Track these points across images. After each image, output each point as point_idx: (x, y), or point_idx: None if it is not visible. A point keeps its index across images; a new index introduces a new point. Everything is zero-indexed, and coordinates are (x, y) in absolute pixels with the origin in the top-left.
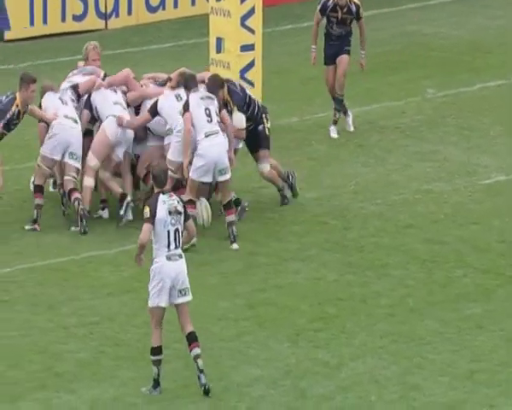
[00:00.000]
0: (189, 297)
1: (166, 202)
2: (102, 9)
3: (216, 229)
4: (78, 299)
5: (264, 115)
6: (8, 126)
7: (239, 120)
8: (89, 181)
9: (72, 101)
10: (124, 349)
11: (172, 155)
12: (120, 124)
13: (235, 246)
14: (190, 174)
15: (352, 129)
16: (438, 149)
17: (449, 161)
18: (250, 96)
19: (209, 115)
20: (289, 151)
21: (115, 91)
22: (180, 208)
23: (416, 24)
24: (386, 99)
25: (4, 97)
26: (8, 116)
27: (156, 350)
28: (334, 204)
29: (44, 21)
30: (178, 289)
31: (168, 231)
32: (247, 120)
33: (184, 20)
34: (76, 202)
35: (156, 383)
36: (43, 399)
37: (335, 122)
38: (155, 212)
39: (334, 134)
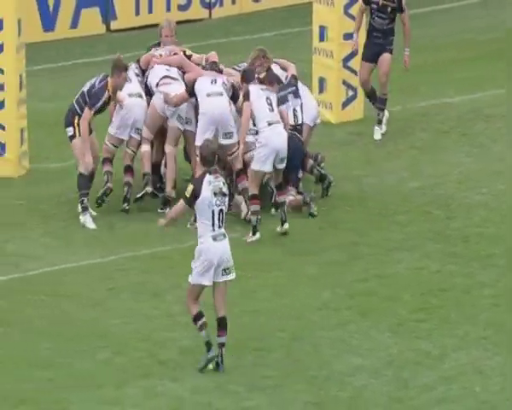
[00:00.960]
0: (232, 276)
1: (212, 183)
2: None
3: (317, 218)
4: (181, 287)
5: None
6: (99, 112)
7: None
8: (145, 147)
9: (137, 75)
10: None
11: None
12: (165, 100)
13: (286, 226)
14: (252, 166)
15: (380, 134)
16: None
17: None
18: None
19: (270, 104)
20: (392, 140)
21: (168, 70)
22: (225, 190)
23: None
24: (492, 87)
25: (97, 81)
26: (100, 102)
27: (197, 316)
28: (438, 193)
29: (150, 11)
30: (223, 268)
31: (213, 211)
32: None
33: (288, 8)
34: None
35: (209, 346)
36: (147, 386)
37: (380, 121)
38: (199, 193)
39: (377, 135)
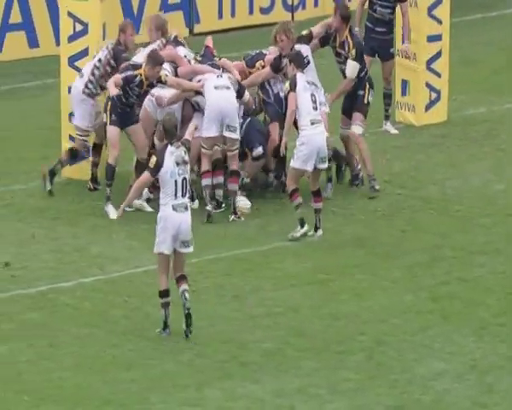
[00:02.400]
0: (190, 249)
1: (174, 153)
2: (289, 2)
3: (399, 221)
4: (262, 289)
5: (367, 83)
6: (126, 88)
7: (353, 68)
8: None
9: None
10: (308, 340)
11: (206, 132)
12: (159, 104)
13: (319, 232)
14: (292, 163)
15: (394, 129)
16: None
17: None
18: (364, 58)
19: (314, 102)
20: (477, 142)
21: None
22: (187, 159)
23: None
24: None
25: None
26: (129, 73)
27: (163, 293)
28: None
29: (232, 14)
30: (181, 241)
31: (175, 181)
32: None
33: None
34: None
35: (165, 326)
36: (228, 388)
37: (388, 117)
38: (162, 163)
39: (393, 130)
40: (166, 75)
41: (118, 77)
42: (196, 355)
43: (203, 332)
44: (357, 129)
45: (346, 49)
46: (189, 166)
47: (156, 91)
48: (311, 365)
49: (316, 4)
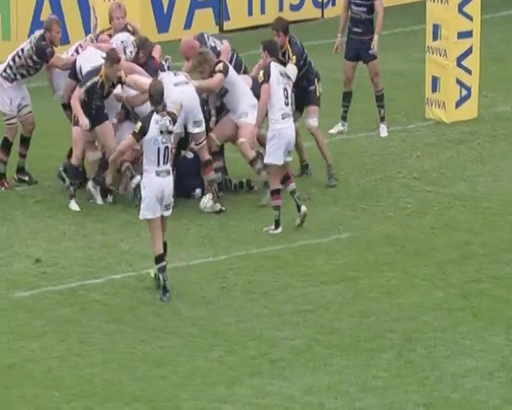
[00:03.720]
0: (169, 212)
1: (159, 122)
2: None
3: (429, 218)
4: (292, 286)
5: (316, 79)
6: (90, 94)
7: (292, 71)
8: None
9: None
10: (337, 338)
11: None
12: (118, 100)
13: (303, 209)
14: (265, 159)
15: (386, 131)
16: None
17: None
18: (307, 57)
19: (287, 97)
20: (507, 139)
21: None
22: (171, 128)
23: None
24: None
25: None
26: (88, 84)
27: (159, 258)
28: None
29: (262, 11)
30: (164, 205)
31: (158, 149)
32: (301, 77)
33: (400, 7)
34: None
35: (165, 290)
36: (258, 385)
37: (383, 119)
38: (146, 130)
39: (384, 133)
40: (126, 75)
41: (80, 91)
42: (226, 352)
43: (232, 329)
44: (314, 121)
45: (287, 57)
46: (172, 137)
47: (123, 92)
48: (341, 362)
49: None
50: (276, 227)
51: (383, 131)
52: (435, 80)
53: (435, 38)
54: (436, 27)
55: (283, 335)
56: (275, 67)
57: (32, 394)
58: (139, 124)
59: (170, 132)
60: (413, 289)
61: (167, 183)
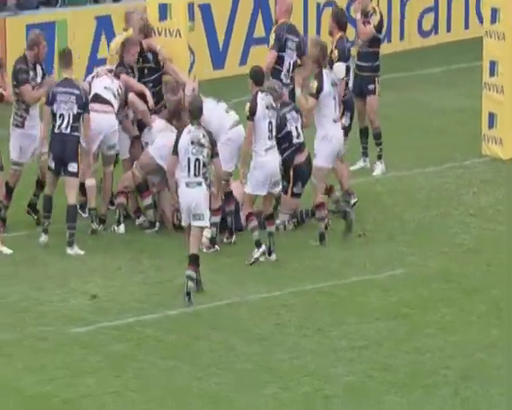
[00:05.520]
0: (202, 223)
1: (191, 132)
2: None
3: (485, 256)
4: (346, 323)
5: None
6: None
7: (339, 70)
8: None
9: None
10: (392, 374)
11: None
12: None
13: (273, 256)
14: (245, 188)
15: (381, 170)
16: None
17: None
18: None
19: (271, 131)
20: None
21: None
22: (204, 141)
23: None
24: None
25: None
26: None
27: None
28: None
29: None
30: (192, 214)
31: (189, 159)
32: None
33: (457, 43)
34: None
35: (188, 294)
36: None
37: (380, 157)
38: (179, 140)
39: (378, 171)
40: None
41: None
42: (280, 388)
43: (286, 365)
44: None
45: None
46: (205, 150)
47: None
48: (395, 399)
49: (401, 37)
50: (258, 247)
51: (378, 169)
52: (492, 117)
53: (492, 74)
54: (493, 64)
55: (337, 371)
56: (261, 100)
57: None
58: (175, 137)
59: (201, 145)
60: (468, 326)
61: (195, 194)
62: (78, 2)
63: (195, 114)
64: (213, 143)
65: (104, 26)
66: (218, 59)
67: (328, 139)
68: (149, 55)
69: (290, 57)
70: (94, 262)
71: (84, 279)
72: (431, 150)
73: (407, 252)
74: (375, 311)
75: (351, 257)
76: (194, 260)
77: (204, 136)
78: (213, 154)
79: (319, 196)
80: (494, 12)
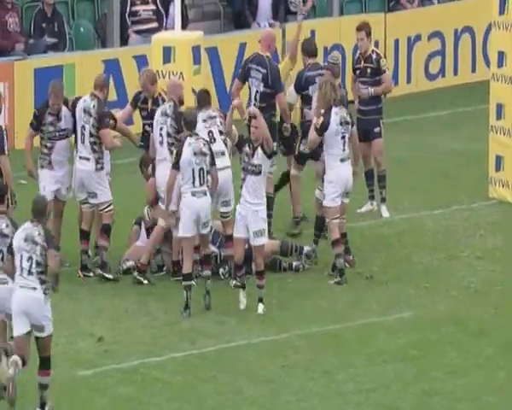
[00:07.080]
0: (208, 229)
1: (192, 144)
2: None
3: (492, 298)
4: (353, 365)
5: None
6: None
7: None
8: None
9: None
10: None
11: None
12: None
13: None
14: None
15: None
16: None
17: None
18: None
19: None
20: None
21: None
22: (205, 150)
23: None
24: None
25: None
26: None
27: (187, 276)
28: None
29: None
30: (202, 223)
31: (193, 170)
32: None
33: (464, 87)
34: None
35: (186, 307)
36: None
37: (384, 199)
38: (181, 153)
39: (385, 213)
40: None
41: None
42: None
43: (293, 408)
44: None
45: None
46: (207, 158)
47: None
48: None
49: (408, 80)
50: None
51: (385, 212)
52: (499, 159)
53: (499, 117)
54: (500, 107)
55: None
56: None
57: None
58: (174, 151)
59: (204, 154)
60: (476, 369)
61: (202, 203)
62: (85, 46)
63: (189, 126)
64: (212, 151)
65: (112, 70)
66: (225, 101)
67: (334, 182)
68: None
69: (255, 86)
70: (102, 304)
71: (92, 321)
72: (438, 192)
73: (414, 294)
74: (382, 353)
75: (358, 299)
76: (208, 259)
77: (204, 144)
78: (212, 161)
79: (335, 233)
80: (501, 56)
